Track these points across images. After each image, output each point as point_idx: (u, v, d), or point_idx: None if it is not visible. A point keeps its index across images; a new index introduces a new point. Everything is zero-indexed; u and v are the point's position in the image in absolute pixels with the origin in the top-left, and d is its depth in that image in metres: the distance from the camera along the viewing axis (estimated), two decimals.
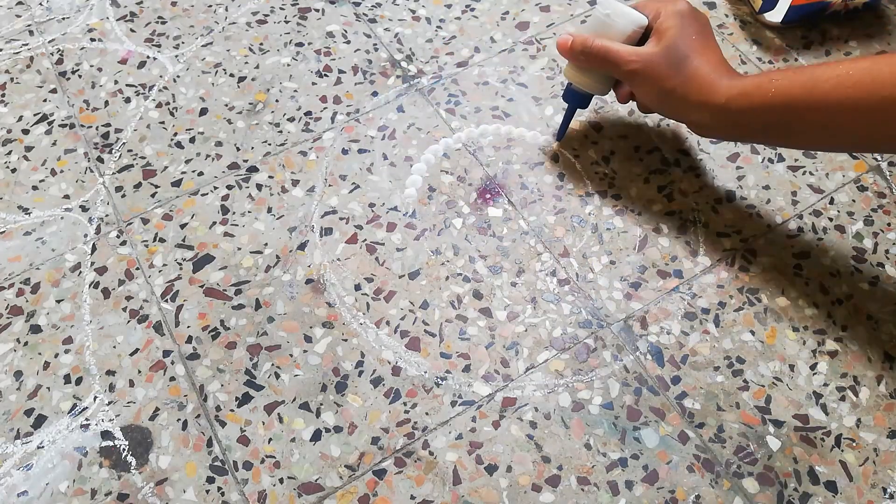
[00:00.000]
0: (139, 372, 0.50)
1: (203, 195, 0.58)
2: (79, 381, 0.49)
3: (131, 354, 0.50)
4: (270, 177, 0.58)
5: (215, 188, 0.58)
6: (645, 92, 0.51)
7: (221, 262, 0.54)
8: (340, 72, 0.64)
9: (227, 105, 0.63)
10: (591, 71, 0.53)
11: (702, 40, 0.49)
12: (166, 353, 0.50)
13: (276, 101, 0.63)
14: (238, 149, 0.60)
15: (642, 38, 0.52)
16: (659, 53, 0.49)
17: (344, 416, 0.48)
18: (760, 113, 0.46)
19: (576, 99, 0.56)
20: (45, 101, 0.63)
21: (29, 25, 0.68)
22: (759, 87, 0.45)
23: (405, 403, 0.48)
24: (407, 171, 0.58)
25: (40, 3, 0.70)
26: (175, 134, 0.61)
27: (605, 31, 0.51)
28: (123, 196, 0.58)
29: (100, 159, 0.60)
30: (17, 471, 0.46)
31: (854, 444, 0.46)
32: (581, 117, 0.61)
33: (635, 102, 0.55)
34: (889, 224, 0.55)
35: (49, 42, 0.67)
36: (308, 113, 0.62)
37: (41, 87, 0.64)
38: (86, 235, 0.56)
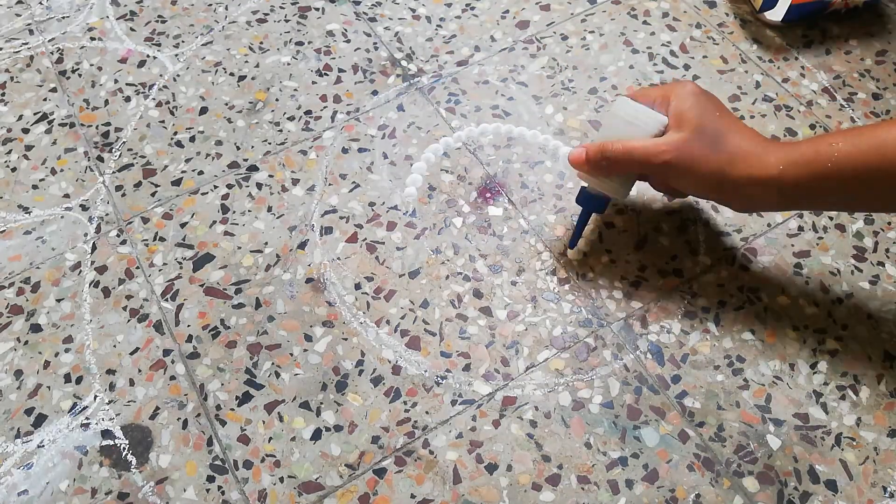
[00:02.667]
0: (139, 371, 0.50)
1: (203, 194, 0.58)
2: (79, 380, 0.49)
3: (131, 353, 0.50)
4: (270, 176, 0.58)
5: (215, 187, 0.58)
6: (684, 181, 0.47)
7: (221, 262, 0.54)
8: (340, 71, 0.64)
9: (227, 104, 0.63)
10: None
11: (728, 116, 0.46)
12: (166, 353, 0.50)
13: (277, 100, 0.63)
14: (238, 148, 0.60)
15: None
16: (691, 138, 0.45)
17: (344, 415, 0.48)
18: (821, 180, 0.42)
19: (592, 204, 0.51)
20: (45, 100, 0.63)
21: (29, 24, 0.68)
22: (818, 153, 0.42)
23: (405, 402, 0.48)
24: (407, 169, 0.58)
25: (40, 3, 0.70)
26: (175, 133, 0.61)
27: (624, 132, 0.47)
28: (123, 195, 0.58)
29: (100, 158, 0.60)
30: (18, 470, 0.46)
31: (854, 443, 0.46)
32: (581, 116, 0.61)
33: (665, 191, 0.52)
34: (889, 223, 0.55)
35: (49, 41, 0.67)
36: (308, 112, 0.62)
37: (41, 86, 0.64)
38: (86, 234, 0.56)
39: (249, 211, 0.57)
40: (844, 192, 0.43)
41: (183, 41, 0.67)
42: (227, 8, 0.69)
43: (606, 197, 0.50)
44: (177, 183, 0.58)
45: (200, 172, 0.59)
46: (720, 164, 0.44)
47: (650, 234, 0.55)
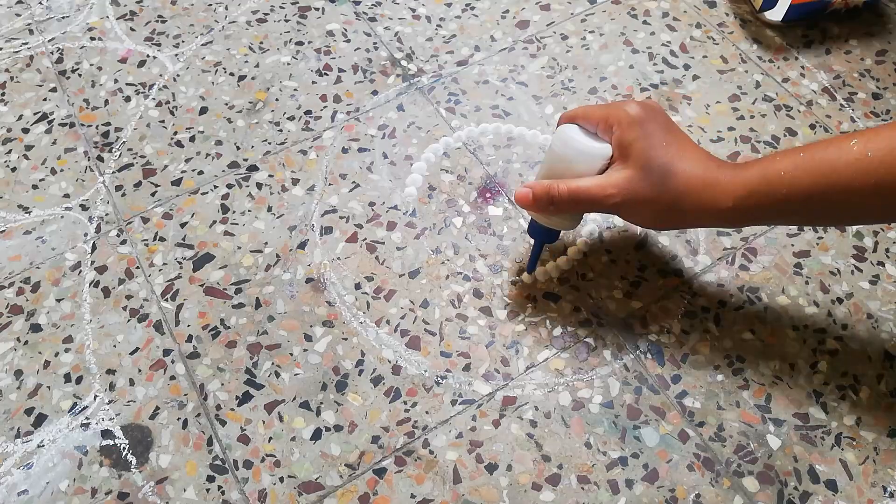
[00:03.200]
0: (139, 371, 0.50)
1: (203, 194, 0.58)
2: (79, 380, 0.49)
3: (131, 353, 0.50)
4: (270, 176, 0.58)
5: (215, 187, 0.58)
6: (637, 219, 0.46)
7: (221, 261, 0.54)
8: (340, 70, 0.64)
9: (227, 104, 0.63)
10: None
11: (672, 140, 0.44)
12: (166, 352, 0.50)
13: (276, 99, 0.63)
14: (238, 147, 0.60)
15: None
16: (635, 176, 0.43)
17: (344, 415, 0.48)
18: (774, 207, 0.42)
19: (543, 235, 0.50)
20: (45, 99, 0.63)
21: (29, 24, 0.68)
22: (769, 184, 0.41)
23: (405, 402, 0.48)
24: (407, 169, 0.58)
25: (40, 2, 0.70)
26: (175, 133, 0.61)
27: (567, 169, 0.46)
28: (123, 195, 0.58)
29: (100, 158, 0.60)
30: (18, 470, 0.46)
31: (854, 443, 0.46)
32: None
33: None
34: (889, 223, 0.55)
35: (49, 41, 0.67)
36: (308, 112, 0.62)
37: (41, 85, 0.64)
38: (86, 234, 0.56)
39: (249, 211, 0.57)
40: (798, 216, 0.44)
41: (183, 41, 0.67)
42: (227, 8, 0.69)
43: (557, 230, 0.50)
44: (177, 183, 0.58)
45: (200, 172, 0.59)
46: (669, 202, 0.43)
47: (650, 234, 0.55)
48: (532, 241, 0.51)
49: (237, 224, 0.56)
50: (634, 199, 0.44)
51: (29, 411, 0.48)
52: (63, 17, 0.69)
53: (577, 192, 0.45)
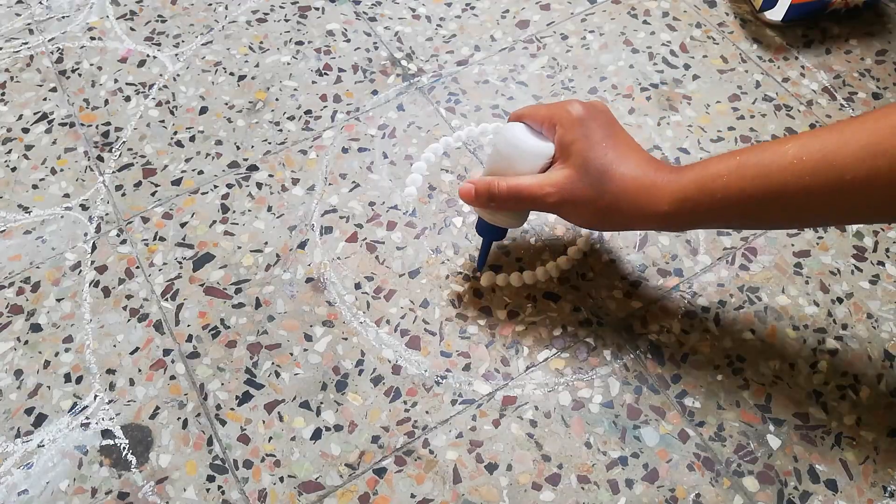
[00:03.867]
0: (139, 371, 0.50)
1: (203, 194, 0.58)
2: (79, 379, 0.50)
3: (131, 353, 0.50)
4: (270, 175, 0.58)
5: (215, 187, 0.58)
6: (576, 219, 0.46)
7: (221, 261, 0.54)
8: (340, 70, 0.64)
9: (227, 104, 0.63)
10: None
11: (613, 142, 0.44)
12: (166, 352, 0.50)
13: (277, 99, 0.63)
14: (238, 147, 0.60)
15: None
16: (574, 176, 0.43)
17: (344, 415, 0.48)
18: (710, 212, 0.42)
19: (491, 233, 0.50)
20: (44, 99, 0.63)
21: (29, 24, 0.68)
22: (704, 189, 0.41)
23: (405, 402, 0.48)
24: (407, 169, 0.58)
25: (40, 2, 0.70)
26: (175, 132, 0.61)
27: (510, 167, 0.46)
28: (123, 195, 0.58)
29: (100, 158, 0.60)
30: (18, 469, 0.46)
31: (854, 443, 0.46)
32: None
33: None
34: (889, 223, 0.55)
35: (49, 41, 0.67)
36: (308, 111, 0.62)
37: (41, 85, 0.64)
38: (86, 234, 0.56)
39: (249, 210, 0.57)
40: (735, 220, 0.43)
41: (183, 41, 0.67)
42: (227, 7, 0.69)
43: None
44: (177, 182, 0.58)
45: (200, 172, 0.59)
46: (606, 204, 0.43)
47: (650, 234, 0.55)
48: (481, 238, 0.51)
49: (237, 224, 0.56)
50: (572, 199, 0.44)
51: (29, 411, 0.48)
52: (63, 17, 0.69)
53: (516, 189, 0.45)
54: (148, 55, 0.66)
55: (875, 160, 0.36)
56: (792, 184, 0.39)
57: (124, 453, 0.47)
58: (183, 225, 0.56)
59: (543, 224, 0.55)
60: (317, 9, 0.69)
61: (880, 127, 0.37)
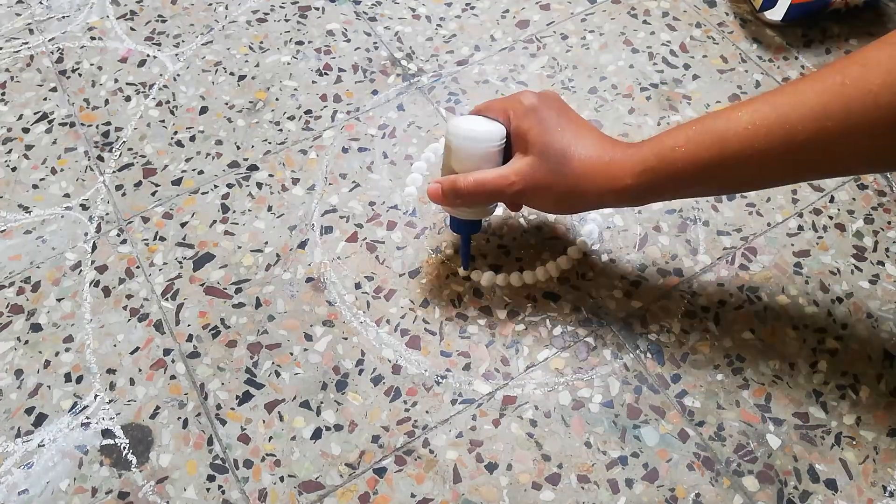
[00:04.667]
0: (140, 370, 0.50)
1: (203, 194, 0.58)
2: (79, 379, 0.50)
3: (132, 353, 0.50)
4: (271, 175, 0.58)
5: (216, 186, 0.58)
6: (541, 205, 0.47)
7: (222, 261, 0.54)
8: (340, 70, 0.64)
9: (227, 103, 0.63)
10: None
11: (568, 125, 0.45)
12: (167, 352, 0.50)
13: (277, 99, 0.63)
14: (238, 147, 0.60)
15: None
16: (534, 162, 0.44)
17: (344, 415, 0.48)
18: (672, 182, 0.43)
19: (465, 227, 0.51)
20: (45, 99, 0.63)
21: (29, 24, 0.68)
22: (663, 160, 0.42)
23: (405, 402, 0.48)
24: (407, 169, 0.58)
25: (40, 2, 0.70)
26: (175, 132, 0.61)
27: (468, 158, 0.46)
28: (124, 195, 0.58)
29: (100, 158, 0.60)
30: (18, 469, 0.46)
31: (854, 443, 0.46)
32: (583, 113, 0.61)
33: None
34: (889, 222, 0.55)
35: (49, 41, 0.67)
36: (308, 111, 0.62)
37: (41, 85, 0.64)
38: (86, 234, 0.56)
39: (250, 210, 0.57)
40: (696, 188, 0.45)
41: (183, 41, 0.67)
42: (227, 7, 0.69)
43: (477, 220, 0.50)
44: (177, 182, 0.58)
45: (201, 172, 0.59)
46: (569, 185, 0.44)
47: (650, 234, 0.55)
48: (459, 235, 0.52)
49: (237, 224, 0.56)
50: (535, 186, 0.45)
51: (29, 411, 0.48)
52: (63, 17, 0.69)
53: (481, 182, 0.46)
54: (148, 55, 0.66)
55: (824, 121, 0.37)
56: (747, 148, 0.40)
57: (124, 453, 0.47)
58: (183, 225, 0.56)
59: (543, 224, 0.55)
60: (317, 9, 0.69)
61: (828, 87, 0.38)
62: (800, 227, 0.55)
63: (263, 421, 0.48)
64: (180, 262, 0.54)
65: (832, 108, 0.37)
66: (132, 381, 0.49)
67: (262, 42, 0.66)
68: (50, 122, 0.62)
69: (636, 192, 0.43)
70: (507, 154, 0.47)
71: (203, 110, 0.62)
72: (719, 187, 0.46)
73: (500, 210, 0.56)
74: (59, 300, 0.53)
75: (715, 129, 0.41)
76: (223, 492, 0.45)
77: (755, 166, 0.40)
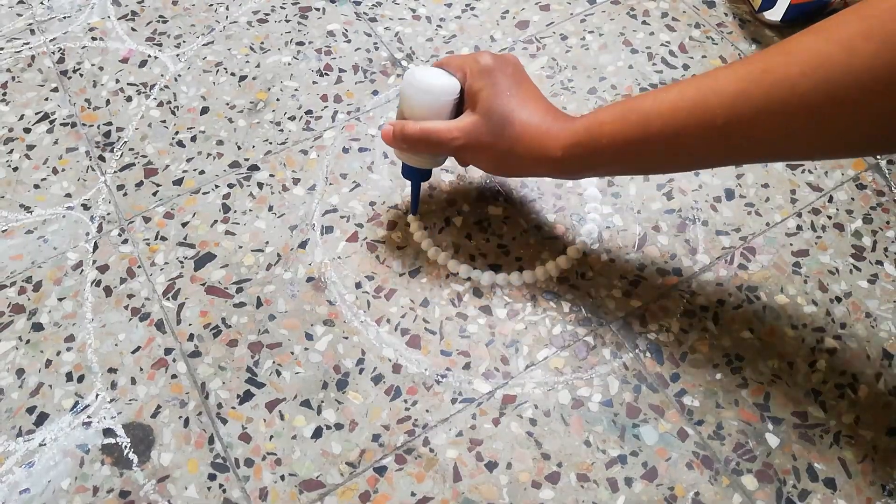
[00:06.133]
0: (141, 370, 0.50)
1: (204, 194, 0.58)
2: (81, 378, 0.50)
3: (133, 352, 0.51)
4: (271, 175, 0.59)
5: (216, 186, 0.58)
6: (479, 162, 0.49)
7: (223, 261, 0.54)
8: (341, 70, 0.65)
9: (228, 104, 0.63)
10: None
11: (518, 91, 0.46)
12: (168, 351, 0.51)
13: (277, 99, 0.63)
14: (239, 147, 0.60)
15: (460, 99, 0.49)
16: (478, 122, 0.46)
17: (345, 414, 0.48)
18: (599, 156, 0.44)
19: (415, 175, 0.53)
20: (46, 99, 0.63)
21: (30, 24, 0.68)
22: (592, 134, 0.43)
23: (406, 401, 0.48)
24: None
25: (41, 2, 0.70)
26: (176, 133, 0.61)
27: (420, 107, 0.48)
28: (125, 194, 0.58)
29: (101, 158, 0.60)
30: (19, 468, 0.47)
31: (853, 442, 0.47)
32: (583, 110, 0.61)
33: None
34: (888, 222, 0.56)
35: (50, 41, 0.67)
36: (309, 111, 0.62)
37: (42, 85, 0.64)
38: (87, 234, 0.56)
39: (250, 210, 0.57)
40: (622, 165, 0.46)
41: (184, 41, 0.67)
42: (227, 8, 0.69)
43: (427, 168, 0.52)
44: (178, 182, 0.58)
45: (202, 172, 0.59)
46: (505, 148, 0.46)
47: (649, 233, 0.55)
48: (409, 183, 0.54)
49: (238, 223, 0.56)
50: (475, 144, 0.46)
51: (31, 410, 0.49)
52: (64, 17, 0.69)
53: (427, 131, 0.47)
54: (149, 55, 0.66)
55: (742, 106, 0.38)
56: (667, 128, 0.41)
57: (126, 452, 0.47)
58: (184, 224, 0.56)
59: (543, 224, 0.55)
60: (317, 9, 0.69)
61: (750, 72, 0.38)
62: (798, 227, 0.55)
63: (264, 420, 0.48)
64: (181, 262, 0.54)
65: (751, 93, 0.38)
66: (133, 381, 0.50)
67: (262, 42, 0.67)
68: (51, 122, 0.62)
69: (565, 164, 0.45)
70: (459, 110, 0.48)
71: (204, 110, 0.62)
72: (644, 165, 0.47)
73: (501, 210, 0.56)
74: (60, 300, 0.53)
75: (642, 107, 0.42)
76: (224, 490, 0.46)
77: (676, 147, 0.41)
